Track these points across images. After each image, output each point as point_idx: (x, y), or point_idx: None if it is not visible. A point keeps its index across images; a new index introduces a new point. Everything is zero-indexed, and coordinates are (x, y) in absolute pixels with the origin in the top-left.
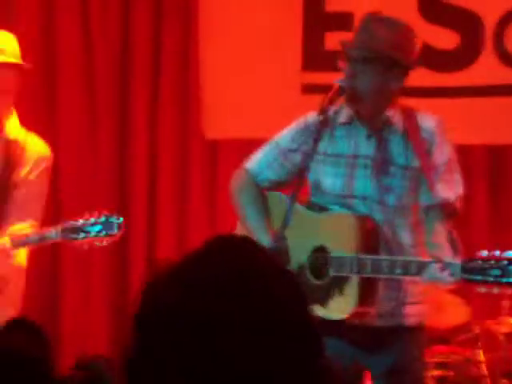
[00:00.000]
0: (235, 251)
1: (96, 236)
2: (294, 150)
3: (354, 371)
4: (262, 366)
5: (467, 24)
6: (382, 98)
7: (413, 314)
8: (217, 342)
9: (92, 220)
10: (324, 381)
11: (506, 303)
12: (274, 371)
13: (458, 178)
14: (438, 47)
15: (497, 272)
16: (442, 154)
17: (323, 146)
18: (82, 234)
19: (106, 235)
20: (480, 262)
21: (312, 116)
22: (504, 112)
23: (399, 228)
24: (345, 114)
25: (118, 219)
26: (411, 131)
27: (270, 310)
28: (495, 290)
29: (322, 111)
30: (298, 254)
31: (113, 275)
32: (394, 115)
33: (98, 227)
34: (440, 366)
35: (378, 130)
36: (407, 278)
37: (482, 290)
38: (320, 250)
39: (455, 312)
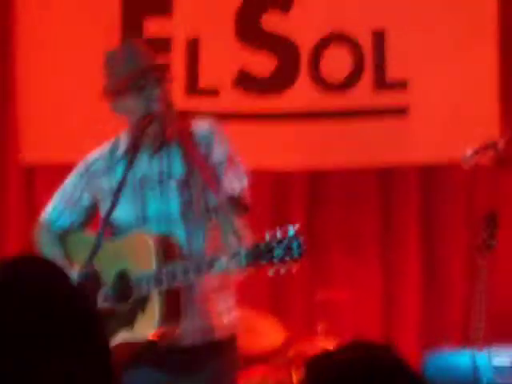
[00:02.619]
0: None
1: None
2: (79, 195)
3: None
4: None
5: (283, 50)
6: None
7: (222, 326)
8: None
9: None
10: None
11: (320, 325)
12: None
13: (241, 171)
14: (254, 72)
15: (280, 252)
16: (221, 151)
17: (109, 181)
18: None
19: None
20: (263, 245)
21: (92, 155)
22: (322, 137)
23: (199, 238)
24: (123, 143)
25: None
26: (185, 140)
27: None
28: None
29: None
30: (107, 283)
31: None
32: (170, 131)
33: None
34: None
35: (159, 148)
36: (201, 276)
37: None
38: (123, 275)
39: (271, 335)
